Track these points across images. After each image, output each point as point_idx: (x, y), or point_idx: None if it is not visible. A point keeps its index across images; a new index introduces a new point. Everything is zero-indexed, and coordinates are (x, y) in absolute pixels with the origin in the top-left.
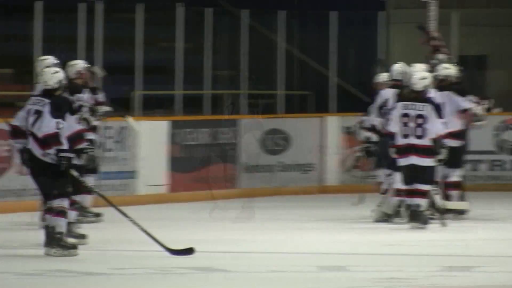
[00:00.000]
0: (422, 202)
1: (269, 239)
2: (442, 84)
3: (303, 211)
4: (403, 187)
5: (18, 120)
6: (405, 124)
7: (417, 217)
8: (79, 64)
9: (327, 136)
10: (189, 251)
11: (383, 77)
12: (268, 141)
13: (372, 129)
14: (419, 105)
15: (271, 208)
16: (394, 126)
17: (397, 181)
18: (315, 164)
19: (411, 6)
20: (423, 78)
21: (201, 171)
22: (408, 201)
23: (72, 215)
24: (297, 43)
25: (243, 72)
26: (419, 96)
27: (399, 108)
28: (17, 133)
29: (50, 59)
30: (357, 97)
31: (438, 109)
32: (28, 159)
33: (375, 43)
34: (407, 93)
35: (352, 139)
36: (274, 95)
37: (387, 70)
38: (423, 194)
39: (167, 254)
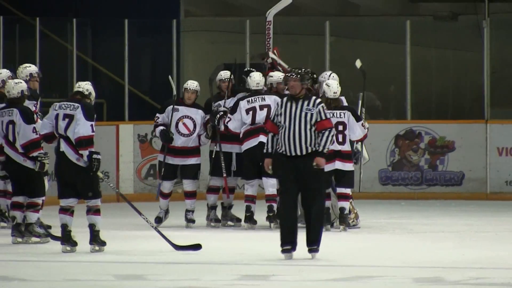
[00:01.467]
0: (346, 205)
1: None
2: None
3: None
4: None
5: (45, 127)
6: None
7: (343, 220)
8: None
9: (121, 144)
10: (196, 246)
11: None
12: None
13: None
14: (338, 112)
15: None
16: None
17: (268, 187)
18: (109, 172)
19: (203, 14)
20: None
21: None
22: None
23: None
24: (90, 51)
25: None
26: (337, 104)
27: None
28: (49, 139)
29: None
30: (150, 105)
31: (355, 113)
32: (60, 162)
33: (169, 51)
34: (325, 101)
35: (146, 146)
36: None
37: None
38: (346, 197)
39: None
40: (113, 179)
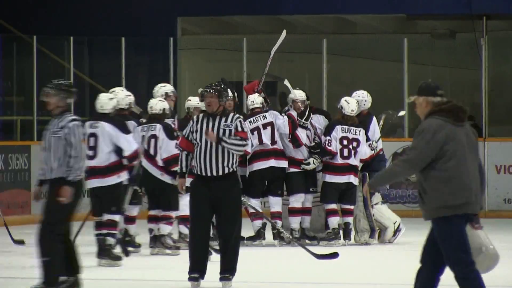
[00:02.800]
0: (351, 220)
1: None
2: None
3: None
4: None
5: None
6: (345, 146)
7: (347, 234)
8: None
9: None
10: (334, 255)
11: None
12: None
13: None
14: (353, 129)
15: None
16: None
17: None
18: None
19: (200, 32)
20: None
21: None
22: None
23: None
24: (87, 69)
25: (34, 98)
26: (353, 121)
27: (339, 131)
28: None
29: None
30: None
31: (366, 133)
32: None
33: (166, 69)
34: (341, 117)
35: None
36: None
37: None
38: (351, 212)
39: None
40: None
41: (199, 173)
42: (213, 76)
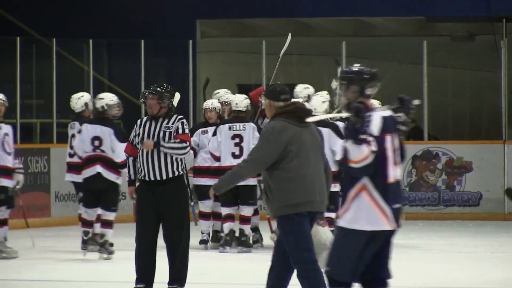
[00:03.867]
0: None
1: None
2: None
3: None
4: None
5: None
6: None
7: None
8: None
9: None
10: None
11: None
12: None
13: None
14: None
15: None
16: None
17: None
18: (126, 192)
19: (219, 35)
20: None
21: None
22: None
23: None
24: (106, 72)
25: (53, 100)
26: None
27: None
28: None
29: None
30: None
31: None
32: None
33: (185, 72)
34: None
35: None
36: None
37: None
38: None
39: None
40: (130, 200)
41: (143, 177)
42: (232, 79)
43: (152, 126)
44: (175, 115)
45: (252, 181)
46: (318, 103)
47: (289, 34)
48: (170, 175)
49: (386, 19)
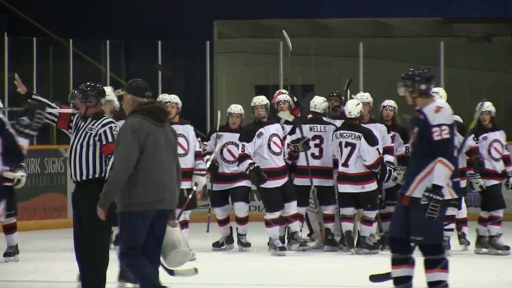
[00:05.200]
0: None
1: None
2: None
3: None
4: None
5: None
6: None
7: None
8: None
9: None
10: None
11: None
12: None
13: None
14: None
15: None
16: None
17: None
18: None
19: (236, 36)
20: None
21: (30, 201)
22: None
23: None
24: (123, 72)
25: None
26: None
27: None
28: None
29: None
30: None
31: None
32: None
33: (203, 72)
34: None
35: None
36: None
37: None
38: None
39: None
40: None
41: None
42: (250, 80)
43: (80, 126)
44: (104, 117)
45: (331, 182)
46: (352, 106)
47: (283, 31)
48: (84, 178)
49: (404, 20)
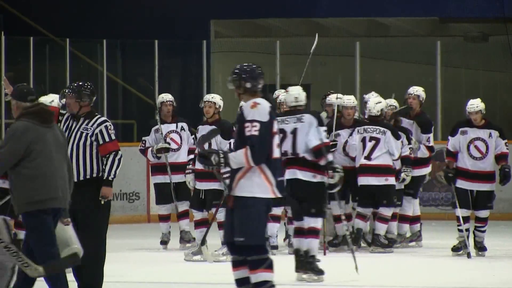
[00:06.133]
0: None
1: None
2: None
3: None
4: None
5: None
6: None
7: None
8: None
9: None
10: None
11: None
12: None
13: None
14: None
15: None
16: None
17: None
18: (140, 193)
19: (233, 35)
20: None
21: None
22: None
23: None
24: (120, 72)
25: None
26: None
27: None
28: None
29: None
30: None
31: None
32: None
33: (199, 72)
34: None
35: None
36: None
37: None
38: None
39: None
40: (144, 200)
41: None
42: None
43: (73, 125)
44: (97, 116)
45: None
46: (372, 105)
47: (316, 35)
48: (81, 177)
49: (400, 20)
